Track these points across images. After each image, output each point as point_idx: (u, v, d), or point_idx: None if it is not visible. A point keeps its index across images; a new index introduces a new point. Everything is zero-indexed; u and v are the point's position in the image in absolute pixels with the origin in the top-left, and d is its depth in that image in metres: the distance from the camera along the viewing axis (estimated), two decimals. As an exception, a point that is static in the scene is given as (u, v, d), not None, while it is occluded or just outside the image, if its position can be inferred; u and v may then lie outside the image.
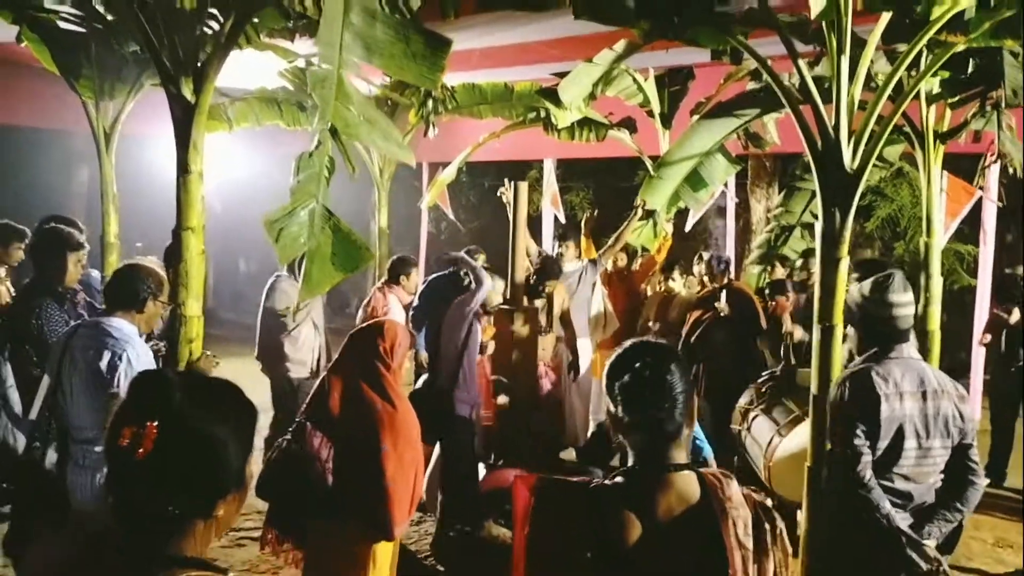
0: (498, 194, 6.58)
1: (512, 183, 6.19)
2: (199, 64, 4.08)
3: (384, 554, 3.46)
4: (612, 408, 1.79)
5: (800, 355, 5.67)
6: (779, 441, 4.92)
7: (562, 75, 6.54)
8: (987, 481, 6.57)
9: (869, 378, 2.95)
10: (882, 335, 3.04)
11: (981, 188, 6.87)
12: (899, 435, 2.93)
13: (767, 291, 6.55)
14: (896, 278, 3.04)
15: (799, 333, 5.82)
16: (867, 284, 3.11)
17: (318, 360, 6.23)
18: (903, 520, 2.96)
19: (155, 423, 1.28)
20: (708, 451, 4.97)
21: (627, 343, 1.86)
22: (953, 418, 2.98)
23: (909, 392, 2.93)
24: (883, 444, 2.93)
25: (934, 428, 2.95)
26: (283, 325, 6.06)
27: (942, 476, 3.03)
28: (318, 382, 3.53)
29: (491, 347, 5.68)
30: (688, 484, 1.71)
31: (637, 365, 1.77)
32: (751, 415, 5.33)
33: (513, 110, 8.32)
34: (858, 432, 2.95)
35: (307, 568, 3.45)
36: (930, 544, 2.95)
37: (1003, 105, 4.71)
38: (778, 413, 5.13)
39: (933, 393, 2.96)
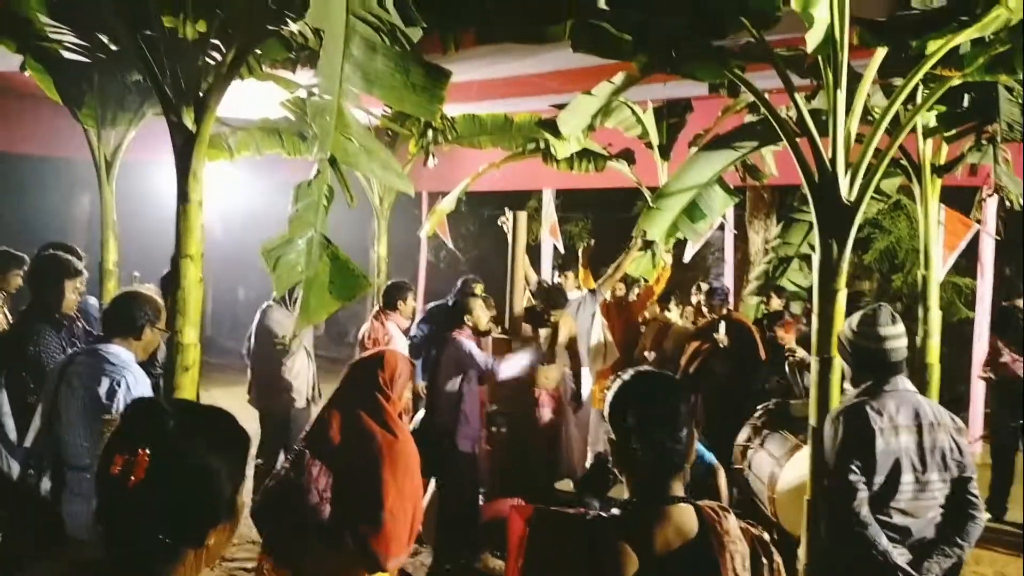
0: (499, 223, 6.60)
1: (511, 213, 6.21)
2: (200, 94, 4.11)
3: None
4: (615, 437, 1.78)
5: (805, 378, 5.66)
6: (779, 472, 4.89)
7: (561, 107, 6.58)
8: (988, 515, 6.59)
9: (864, 412, 2.93)
10: (875, 368, 3.03)
11: (978, 221, 6.90)
12: (895, 469, 2.90)
13: (765, 323, 6.54)
14: (883, 311, 3.05)
15: (801, 352, 5.81)
16: (856, 318, 3.11)
17: (312, 389, 6.17)
18: (901, 556, 2.92)
19: (147, 451, 1.28)
20: (710, 456, 4.95)
21: (629, 372, 1.86)
22: (951, 451, 2.95)
23: (904, 425, 2.91)
24: (879, 479, 2.91)
25: (931, 461, 2.92)
26: (278, 355, 5.99)
27: (941, 510, 3.00)
28: (318, 411, 3.51)
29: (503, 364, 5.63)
30: (686, 517, 1.70)
31: (647, 395, 1.77)
32: (750, 452, 5.31)
33: (512, 141, 8.38)
34: (853, 467, 2.92)
35: None
36: None
37: (999, 139, 4.75)
38: (775, 446, 5.11)
39: (929, 426, 2.93)
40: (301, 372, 6.13)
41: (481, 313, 5.46)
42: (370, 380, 3.43)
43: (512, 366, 5.37)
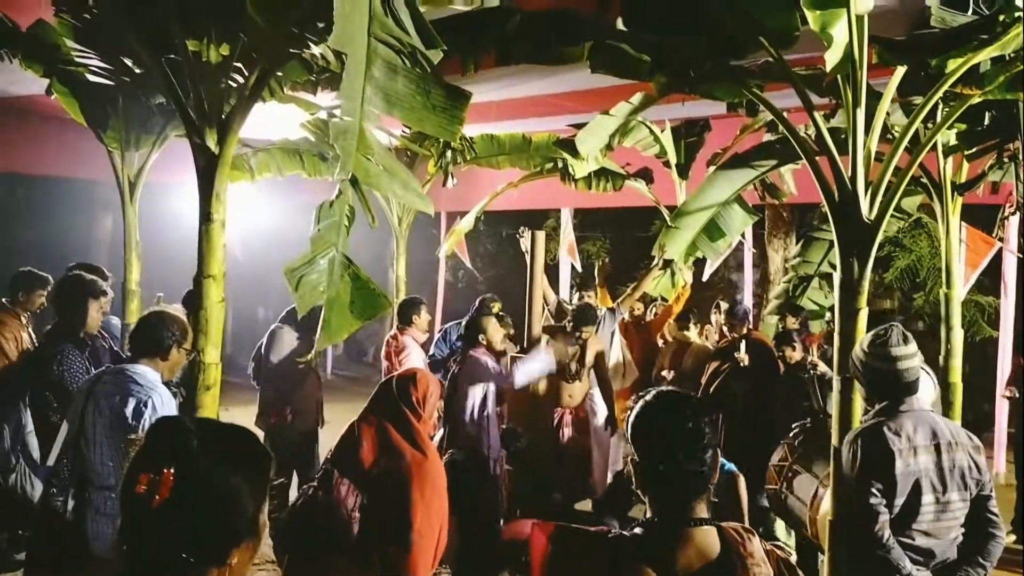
0: (517, 234, 6.59)
1: (530, 232, 6.22)
2: (223, 116, 4.16)
3: None
4: (639, 458, 1.77)
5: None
6: (824, 492, 4.82)
7: (579, 126, 6.62)
8: (1007, 533, 6.47)
9: (881, 434, 2.91)
10: (888, 389, 3.01)
11: (1000, 239, 6.84)
12: (916, 491, 2.87)
13: (774, 343, 6.48)
14: (894, 331, 3.03)
15: (822, 367, 5.75)
16: (867, 339, 3.10)
17: (319, 415, 6.25)
18: None
19: (172, 470, 1.29)
20: (730, 465, 4.90)
21: (652, 392, 1.85)
22: (970, 470, 2.92)
23: (923, 446, 2.88)
24: (900, 501, 2.88)
25: (951, 481, 2.89)
26: (288, 376, 6.00)
27: (962, 530, 2.96)
28: (346, 429, 3.51)
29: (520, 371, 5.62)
30: (708, 539, 1.68)
31: (671, 415, 1.76)
32: (788, 473, 5.24)
33: (531, 160, 8.42)
34: (874, 490, 2.89)
35: None
36: None
37: (1020, 156, 4.72)
38: (819, 467, 5.04)
39: (947, 445, 2.91)
40: (310, 394, 6.15)
41: (494, 331, 5.45)
42: (402, 398, 3.44)
43: (526, 371, 5.36)
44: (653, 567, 1.64)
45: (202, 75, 4.17)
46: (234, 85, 4.37)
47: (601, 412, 6.74)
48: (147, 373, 3.30)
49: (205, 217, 4.15)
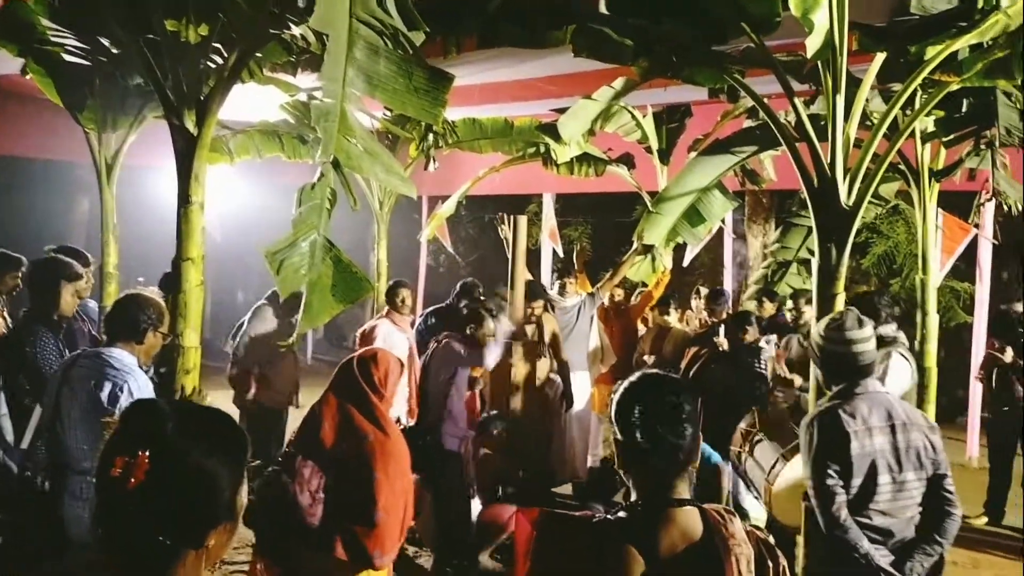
0: (496, 221, 6.61)
1: (511, 217, 6.22)
2: (202, 97, 4.12)
3: None
4: (622, 437, 1.79)
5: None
6: (782, 467, 4.89)
7: (562, 111, 6.61)
8: (979, 515, 6.59)
9: (837, 416, 2.95)
10: (844, 372, 3.05)
11: (976, 226, 6.92)
12: (872, 471, 2.92)
13: (733, 323, 6.46)
14: (850, 315, 3.08)
15: (799, 381, 5.80)
16: (823, 323, 3.15)
17: (294, 392, 6.49)
18: (884, 558, 2.93)
19: (147, 453, 1.28)
20: (717, 457, 4.95)
21: (640, 373, 1.88)
22: (925, 449, 2.98)
23: (878, 427, 2.93)
24: (857, 481, 2.92)
25: (906, 461, 2.94)
26: (266, 351, 6.15)
27: (920, 510, 3.01)
28: (308, 411, 3.51)
29: (481, 383, 5.67)
30: (691, 520, 1.71)
31: (654, 394, 1.79)
32: (754, 437, 5.29)
33: (513, 145, 8.40)
34: (830, 472, 2.94)
35: None
36: None
37: (997, 144, 4.77)
38: (782, 438, 5.10)
39: (902, 426, 2.95)
40: (287, 374, 6.38)
41: (487, 333, 5.47)
42: (364, 378, 3.44)
43: (494, 353, 5.39)
44: (638, 548, 1.65)
45: (180, 55, 4.13)
46: (213, 66, 4.33)
47: (580, 395, 6.78)
48: (123, 357, 3.26)
49: (184, 199, 4.12)
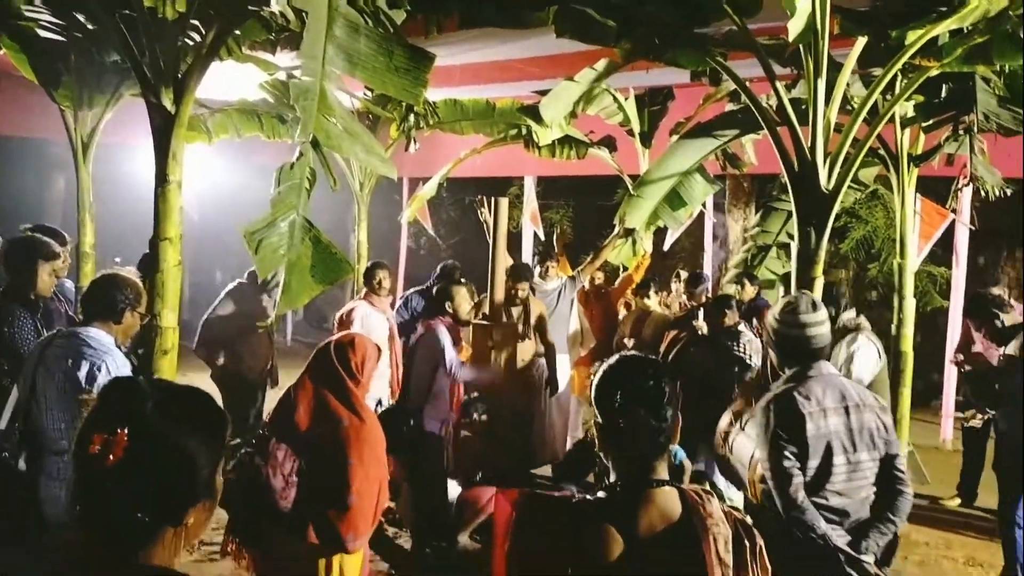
0: (476, 205, 6.60)
1: (492, 200, 6.21)
2: (179, 75, 4.07)
3: (352, 568, 3.43)
4: (601, 419, 1.80)
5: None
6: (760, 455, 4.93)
7: (543, 93, 6.59)
8: (952, 497, 6.69)
9: (792, 399, 2.98)
10: (798, 355, 3.09)
11: (954, 211, 6.98)
12: (828, 452, 2.95)
13: (712, 308, 6.46)
14: (804, 299, 3.12)
15: (748, 333, 5.83)
16: (778, 307, 3.19)
17: (268, 367, 6.57)
18: (840, 538, 2.97)
19: (126, 430, 1.27)
20: (681, 453, 4.97)
21: (619, 356, 1.88)
22: (878, 429, 3.02)
23: (832, 408, 2.97)
24: (813, 463, 2.96)
25: (860, 442, 2.98)
26: (237, 326, 6.29)
27: (874, 490, 3.06)
28: (283, 394, 3.49)
29: (465, 372, 5.65)
30: (670, 501, 1.72)
31: (633, 376, 1.80)
32: (731, 437, 5.34)
33: (494, 126, 8.36)
34: (787, 454, 2.97)
35: None
36: (869, 560, 2.97)
37: (975, 129, 4.81)
38: (753, 429, 5.14)
39: (855, 407, 2.99)
40: (259, 350, 6.46)
41: (463, 302, 5.45)
42: (340, 363, 3.41)
43: (473, 374, 5.43)
44: (618, 528, 1.67)
45: (158, 32, 4.07)
46: (191, 43, 4.28)
47: (560, 378, 6.81)
48: (100, 337, 3.22)
49: (161, 178, 4.07)
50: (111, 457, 1.26)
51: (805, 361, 3.06)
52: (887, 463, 3.04)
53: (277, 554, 3.38)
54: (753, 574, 1.71)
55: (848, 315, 4.46)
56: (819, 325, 3.07)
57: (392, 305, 6.87)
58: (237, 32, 4.66)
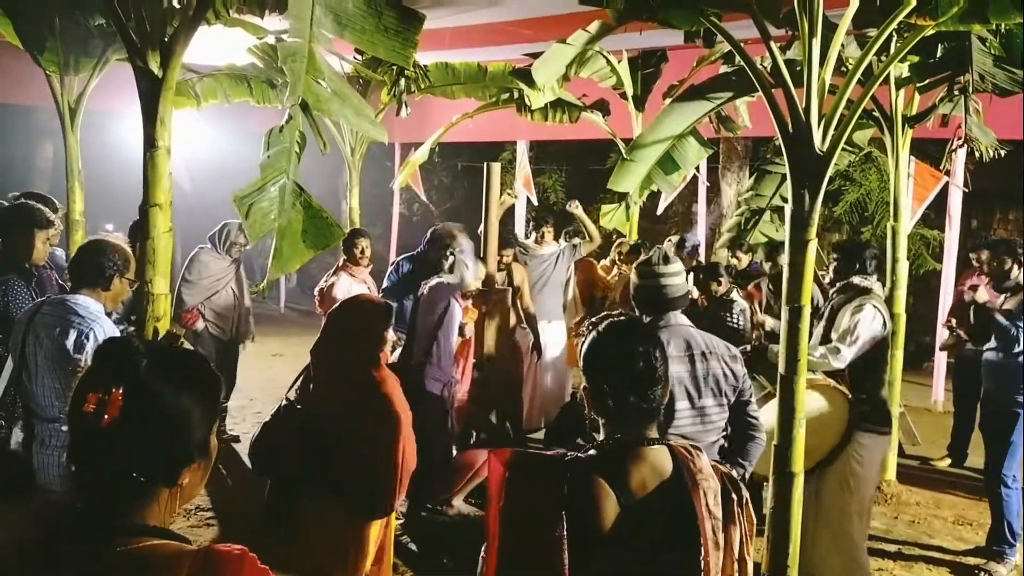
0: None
1: (485, 164, 6.17)
2: (166, 38, 4.01)
3: (377, 533, 3.43)
4: (590, 385, 1.81)
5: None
6: None
7: (536, 56, 6.52)
8: (943, 457, 6.76)
9: None
10: (653, 305, 3.21)
11: (947, 173, 6.96)
12: (670, 397, 3.02)
13: (703, 276, 6.44)
14: (661, 252, 3.29)
15: (770, 323, 5.84)
16: (637, 263, 3.36)
17: (236, 325, 6.72)
18: None
19: (121, 389, 1.27)
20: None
21: (606, 323, 1.88)
22: (725, 377, 3.11)
23: (676, 356, 3.05)
24: None
25: (705, 388, 3.07)
26: (206, 292, 6.54)
27: (723, 436, 3.16)
28: (307, 365, 3.45)
29: (469, 329, 5.64)
30: (661, 457, 1.73)
31: (621, 341, 1.82)
32: None
33: (486, 90, 8.28)
34: None
35: (299, 550, 3.41)
36: None
37: (971, 89, 4.78)
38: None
39: (701, 355, 3.09)
40: (225, 310, 6.62)
41: (458, 252, 5.39)
42: (376, 330, 3.35)
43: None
44: (610, 484, 1.68)
45: (143, -6, 4.00)
46: (177, 6, 4.20)
47: (555, 344, 6.83)
48: (89, 304, 3.20)
49: (149, 143, 4.03)
50: (106, 416, 1.26)
51: (659, 311, 3.18)
52: (738, 409, 3.16)
53: (310, 522, 3.38)
54: (740, 525, 1.74)
55: (860, 277, 4.46)
56: (672, 276, 3.22)
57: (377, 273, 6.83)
58: (224, -6, 4.59)
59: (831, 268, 4.75)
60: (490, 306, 5.88)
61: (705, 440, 3.07)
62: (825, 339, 4.43)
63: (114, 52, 5.83)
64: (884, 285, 5.92)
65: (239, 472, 5.65)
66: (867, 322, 4.33)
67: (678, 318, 3.19)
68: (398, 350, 5.47)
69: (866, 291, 4.44)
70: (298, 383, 3.45)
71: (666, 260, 3.24)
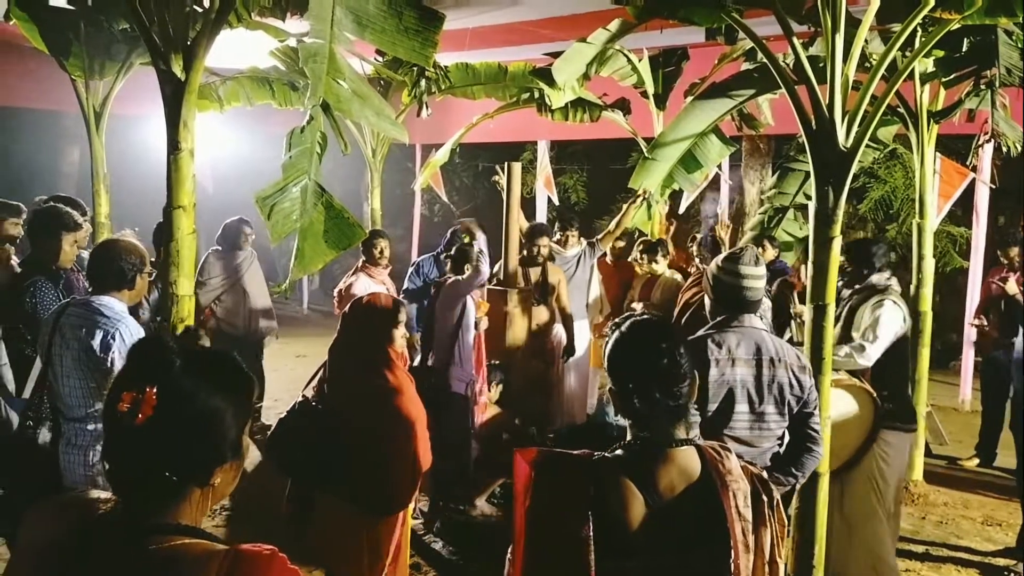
0: (492, 180, 6.56)
1: (506, 165, 6.16)
2: (189, 42, 4.04)
3: (391, 530, 3.45)
4: (616, 387, 1.80)
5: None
6: None
7: (556, 55, 6.51)
8: (971, 457, 6.67)
9: (703, 344, 3.02)
10: (730, 304, 3.13)
11: (974, 169, 6.87)
12: (729, 399, 2.98)
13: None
14: (748, 252, 3.18)
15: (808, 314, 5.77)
16: (722, 256, 3.25)
17: (247, 322, 6.87)
18: None
19: (155, 389, 1.28)
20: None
21: (629, 324, 1.86)
22: (790, 386, 3.03)
23: (743, 359, 3.00)
24: (712, 406, 2.99)
25: (768, 394, 3.00)
26: (218, 293, 6.75)
27: (779, 444, 3.10)
28: (323, 363, 3.48)
29: (484, 323, 5.63)
30: (689, 459, 1.72)
31: (645, 343, 1.80)
32: None
33: (507, 91, 8.27)
34: None
35: (315, 545, 3.44)
36: None
37: (997, 84, 4.71)
38: None
39: (769, 361, 3.02)
40: (235, 309, 6.77)
41: (474, 253, 5.38)
42: (383, 327, 3.39)
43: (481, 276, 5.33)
44: (637, 485, 1.67)
45: (166, -1, 4.03)
46: (200, 10, 4.23)
47: (579, 345, 6.80)
48: (113, 304, 3.23)
49: (173, 146, 4.06)
50: (140, 415, 1.27)
51: (735, 311, 3.10)
52: (800, 420, 3.08)
53: (320, 520, 3.41)
54: (771, 527, 1.71)
55: (878, 276, 4.41)
56: (756, 279, 3.13)
57: (394, 272, 6.86)
58: (246, -3, 4.62)
59: (840, 271, 4.70)
60: (512, 305, 5.88)
61: (760, 446, 3.03)
62: (842, 340, 4.37)
63: (138, 56, 5.90)
64: (909, 283, 5.86)
65: (260, 468, 5.68)
66: (888, 318, 4.28)
67: (752, 320, 3.12)
68: (417, 355, 5.48)
69: (884, 289, 4.40)
70: (315, 380, 3.49)
71: (756, 262, 3.14)
